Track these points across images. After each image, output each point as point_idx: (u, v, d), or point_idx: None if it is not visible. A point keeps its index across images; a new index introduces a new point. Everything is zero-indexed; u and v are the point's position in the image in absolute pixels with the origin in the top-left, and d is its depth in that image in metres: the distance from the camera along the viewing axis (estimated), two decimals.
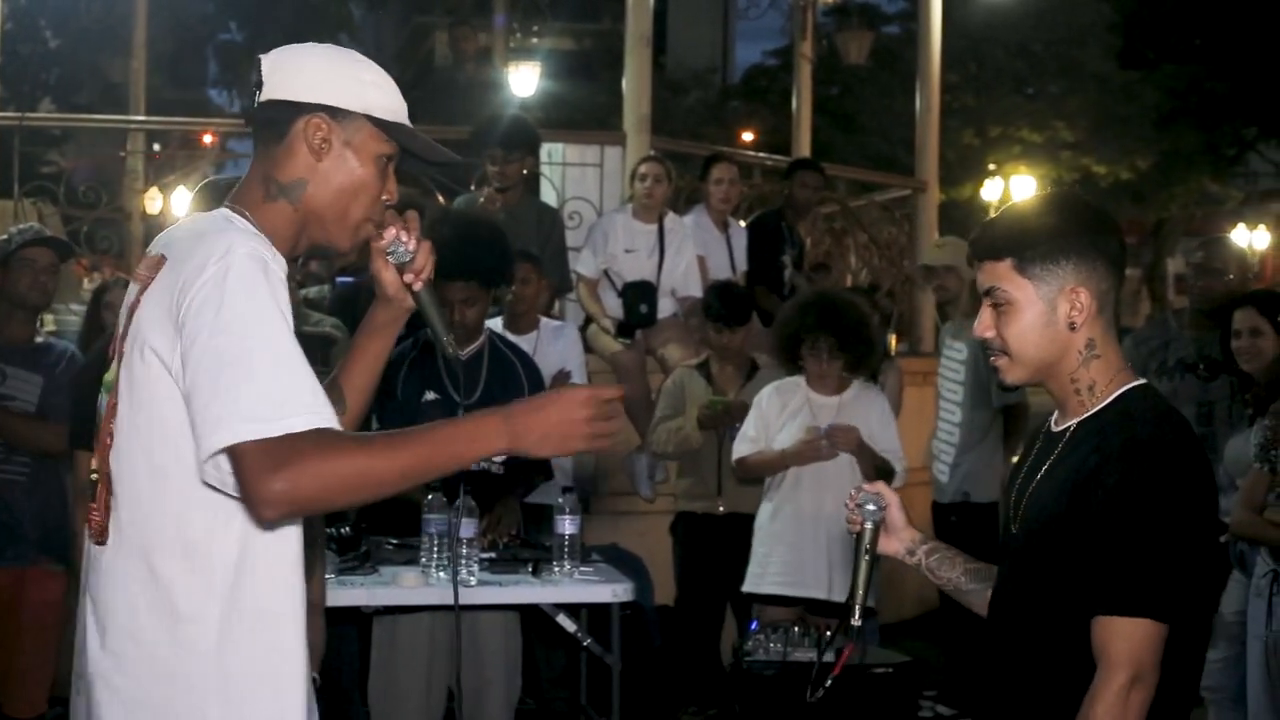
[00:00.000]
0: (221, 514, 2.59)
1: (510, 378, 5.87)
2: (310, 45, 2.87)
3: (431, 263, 2.97)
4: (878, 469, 6.44)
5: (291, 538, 2.69)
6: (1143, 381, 3.00)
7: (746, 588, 6.65)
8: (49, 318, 8.31)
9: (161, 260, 2.67)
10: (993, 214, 3.17)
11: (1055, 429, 3.03)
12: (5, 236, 6.26)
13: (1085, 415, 2.96)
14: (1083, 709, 2.78)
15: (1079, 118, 30.68)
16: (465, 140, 8.59)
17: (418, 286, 2.97)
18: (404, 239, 2.92)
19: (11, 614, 6.03)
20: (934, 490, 8.00)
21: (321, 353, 6.40)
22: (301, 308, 6.68)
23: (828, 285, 10.07)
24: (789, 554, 6.54)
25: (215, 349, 2.50)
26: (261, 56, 2.84)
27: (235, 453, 2.45)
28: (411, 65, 55.79)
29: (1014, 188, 29.45)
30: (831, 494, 6.45)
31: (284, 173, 2.77)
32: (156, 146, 13.83)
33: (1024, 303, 2.94)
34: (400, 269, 2.95)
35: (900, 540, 3.20)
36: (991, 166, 30.57)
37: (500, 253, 5.80)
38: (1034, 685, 2.95)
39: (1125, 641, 2.76)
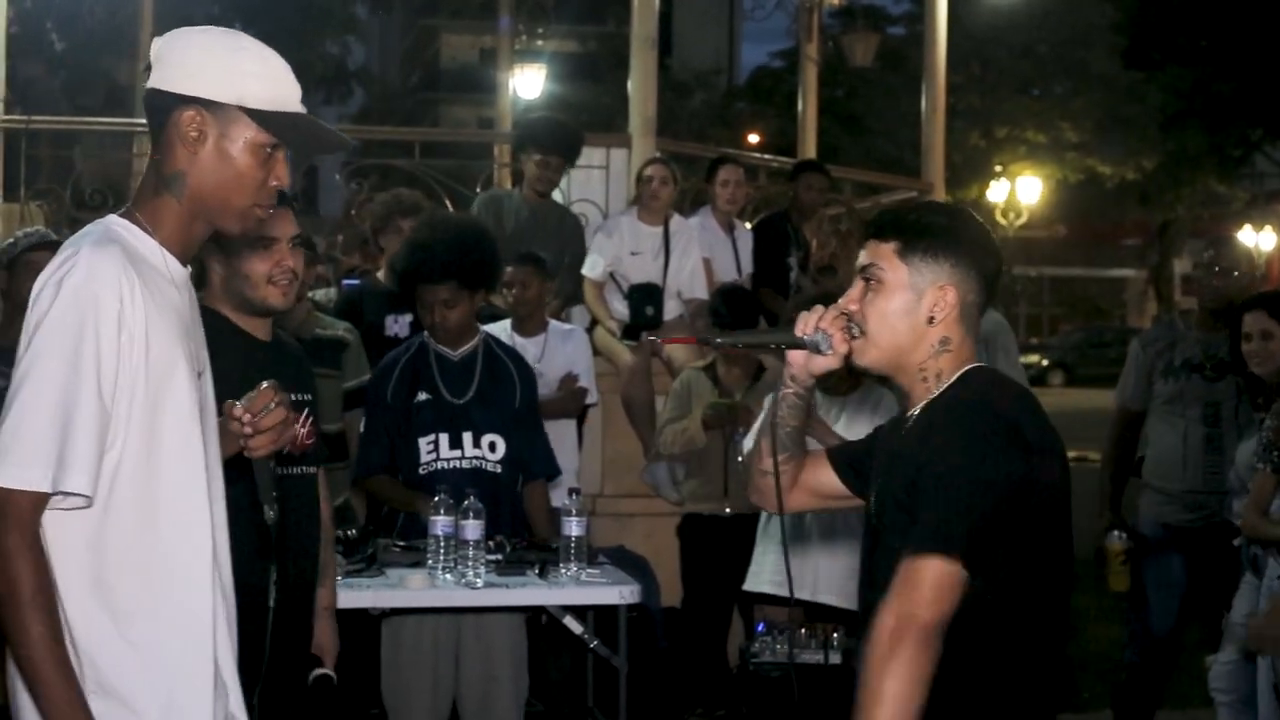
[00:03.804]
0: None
1: (503, 379, 5.88)
2: (196, 31, 2.90)
3: (269, 448, 3.12)
4: None
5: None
6: (984, 365, 3.08)
7: (746, 586, 6.66)
8: None
9: None
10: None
11: (906, 415, 3.06)
12: (10, 240, 6.25)
13: (931, 398, 3.00)
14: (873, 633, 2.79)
15: (1084, 118, 30.71)
16: (476, 143, 8.58)
17: (249, 453, 3.11)
18: (244, 424, 3.05)
19: None
20: None
21: (333, 356, 6.43)
22: (313, 312, 6.70)
23: (833, 287, 10.05)
24: (779, 554, 6.53)
25: (16, 383, 2.67)
26: (156, 39, 2.88)
27: None
28: (418, 67, 55.89)
29: (1020, 188, 29.47)
30: None
31: (166, 165, 2.85)
32: None
33: (894, 286, 3.00)
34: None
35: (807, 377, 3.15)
36: (997, 167, 30.59)
37: (481, 255, 5.80)
38: None
39: (915, 576, 2.76)
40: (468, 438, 5.76)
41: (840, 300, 3.08)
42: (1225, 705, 6.02)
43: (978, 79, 31.01)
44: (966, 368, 3.01)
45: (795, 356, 3.13)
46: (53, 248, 6.13)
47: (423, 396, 5.80)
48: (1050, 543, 2.92)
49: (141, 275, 2.74)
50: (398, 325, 7.17)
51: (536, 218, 8.35)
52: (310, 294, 7.08)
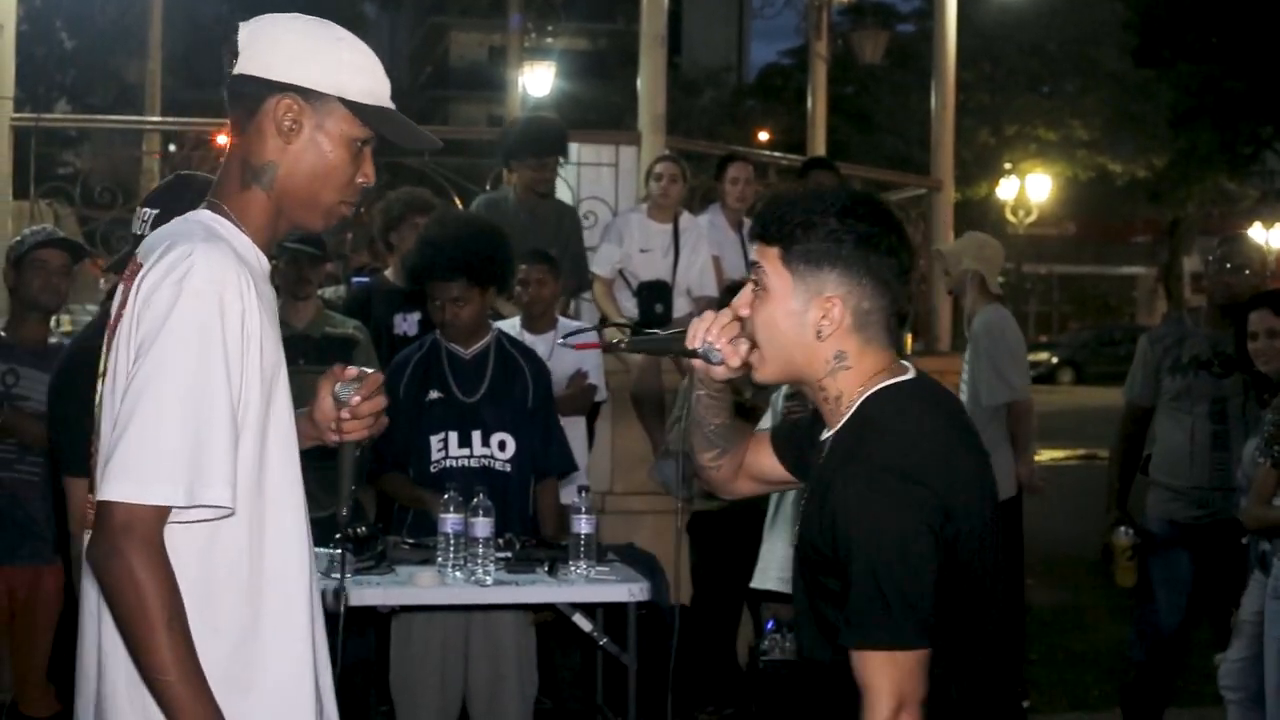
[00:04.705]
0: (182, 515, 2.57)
1: (515, 377, 5.88)
2: (292, 18, 2.78)
3: (364, 432, 2.97)
4: None
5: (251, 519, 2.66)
6: (888, 383, 2.81)
7: (752, 583, 6.66)
8: (65, 318, 8.33)
9: (139, 269, 2.65)
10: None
11: (821, 437, 2.91)
12: (18, 238, 6.27)
13: (836, 428, 2.84)
14: None
15: (1094, 116, 30.72)
16: (486, 141, 8.60)
17: (338, 438, 2.97)
18: (353, 396, 2.93)
19: (29, 612, 6.05)
20: None
21: (342, 354, 6.43)
22: (323, 310, 6.71)
23: None
24: (786, 550, 6.55)
25: (137, 390, 2.51)
26: (241, 23, 2.78)
27: (102, 504, 2.50)
28: (427, 65, 55.92)
29: (1030, 186, 29.46)
30: None
31: (255, 155, 2.72)
32: (172, 147, 13.86)
33: (779, 294, 2.81)
34: (339, 406, 2.95)
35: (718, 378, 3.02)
36: (1007, 165, 30.58)
37: (492, 252, 5.79)
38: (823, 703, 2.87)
39: (879, 673, 2.62)
40: (476, 436, 5.76)
41: (734, 302, 2.89)
42: (1235, 703, 6.02)
43: (988, 76, 31.00)
44: (871, 390, 2.79)
45: (697, 362, 2.98)
46: (60, 245, 6.19)
47: (434, 394, 5.81)
48: (974, 582, 2.74)
49: (250, 273, 2.63)
50: (406, 324, 7.18)
51: (536, 217, 8.35)
52: (319, 292, 7.10)
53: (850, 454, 2.74)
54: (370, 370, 2.99)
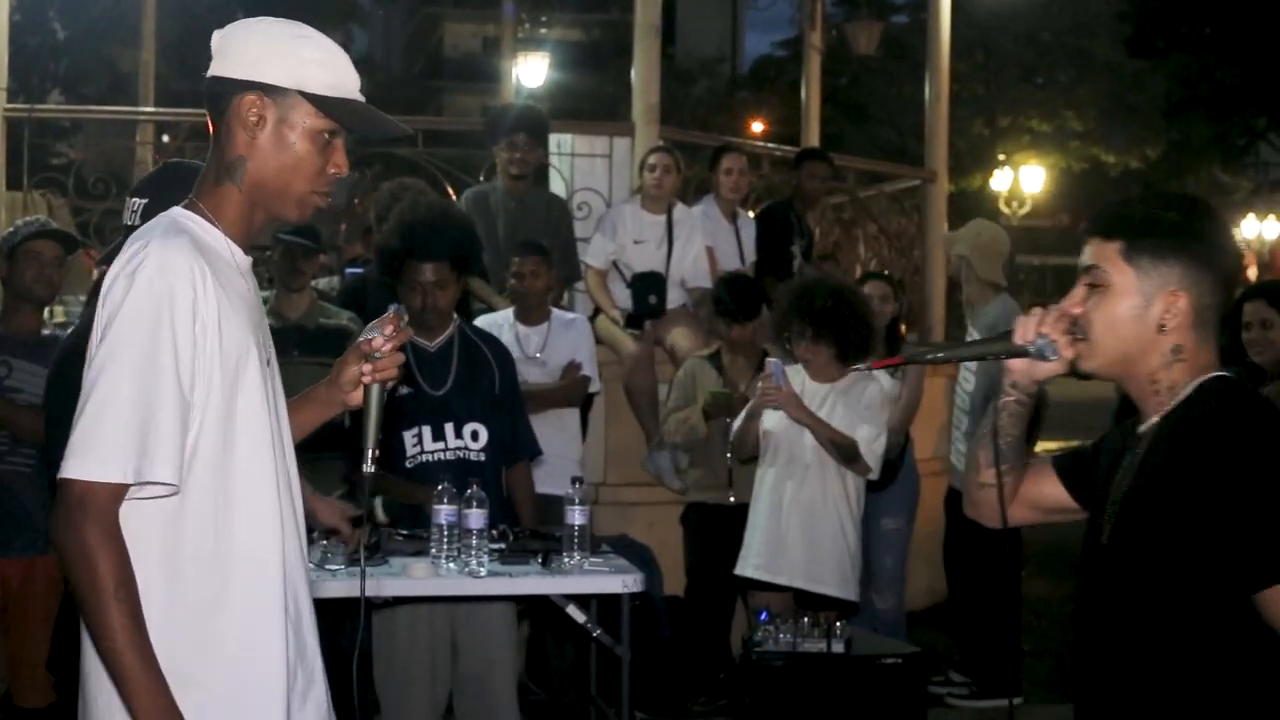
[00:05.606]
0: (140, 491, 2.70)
1: (481, 366, 5.88)
2: (259, 21, 2.94)
3: (394, 371, 3.11)
4: (839, 447, 6.41)
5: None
6: (1218, 374, 2.83)
7: (736, 570, 6.69)
8: (59, 309, 8.32)
9: None
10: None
11: (1139, 430, 2.90)
12: (11, 229, 6.27)
13: (1164, 412, 2.84)
14: None
15: (1088, 107, 30.74)
16: (480, 132, 8.58)
17: (368, 380, 3.09)
18: (381, 344, 3.08)
19: (21, 603, 6.04)
20: (951, 476, 7.99)
21: (336, 345, 6.42)
22: (317, 301, 6.70)
23: (836, 274, 10.03)
24: (764, 540, 6.57)
25: (93, 376, 2.69)
26: (216, 31, 2.93)
27: (62, 481, 2.66)
28: (421, 55, 55.88)
29: (1023, 177, 29.49)
30: (794, 482, 6.47)
31: (227, 151, 2.87)
32: (166, 138, 13.83)
33: (1121, 289, 2.82)
34: (365, 358, 3.09)
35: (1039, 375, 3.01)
36: (1001, 156, 30.59)
37: (470, 240, 5.82)
38: (1166, 684, 2.76)
39: None
40: (449, 429, 5.77)
41: (1063, 302, 2.90)
42: None
43: (981, 67, 31.02)
44: (1203, 377, 2.80)
45: (1017, 364, 2.98)
46: (53, 237, 6.18)
47: (402, 390, 5.78)
48: None
49: (211, 265, 2.77)
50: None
51: (524, 207, 8.33)
52: (314, 283, 7.09)
53: (1210, 422, 2.75)
54: (392, 308, 3.17)
